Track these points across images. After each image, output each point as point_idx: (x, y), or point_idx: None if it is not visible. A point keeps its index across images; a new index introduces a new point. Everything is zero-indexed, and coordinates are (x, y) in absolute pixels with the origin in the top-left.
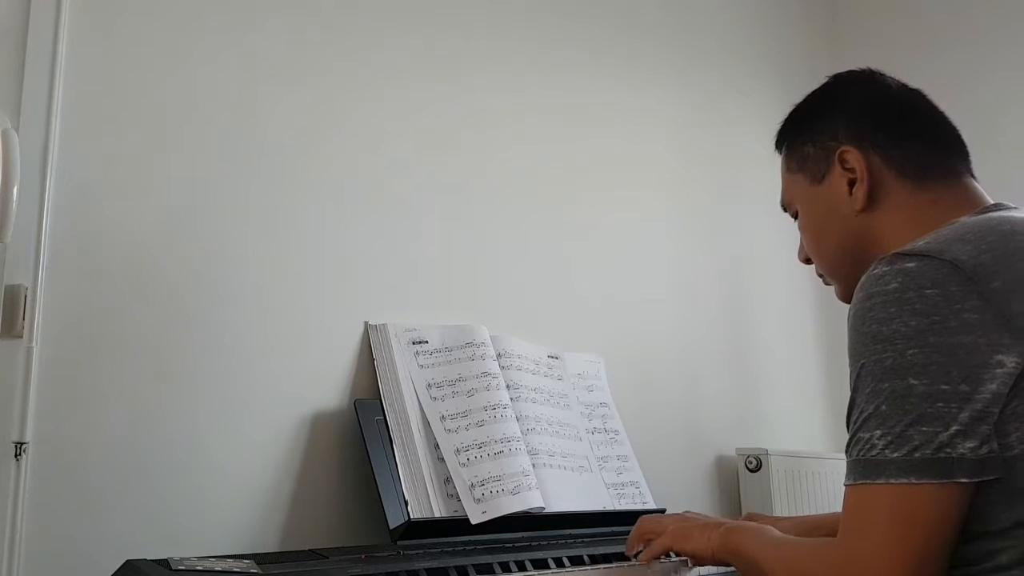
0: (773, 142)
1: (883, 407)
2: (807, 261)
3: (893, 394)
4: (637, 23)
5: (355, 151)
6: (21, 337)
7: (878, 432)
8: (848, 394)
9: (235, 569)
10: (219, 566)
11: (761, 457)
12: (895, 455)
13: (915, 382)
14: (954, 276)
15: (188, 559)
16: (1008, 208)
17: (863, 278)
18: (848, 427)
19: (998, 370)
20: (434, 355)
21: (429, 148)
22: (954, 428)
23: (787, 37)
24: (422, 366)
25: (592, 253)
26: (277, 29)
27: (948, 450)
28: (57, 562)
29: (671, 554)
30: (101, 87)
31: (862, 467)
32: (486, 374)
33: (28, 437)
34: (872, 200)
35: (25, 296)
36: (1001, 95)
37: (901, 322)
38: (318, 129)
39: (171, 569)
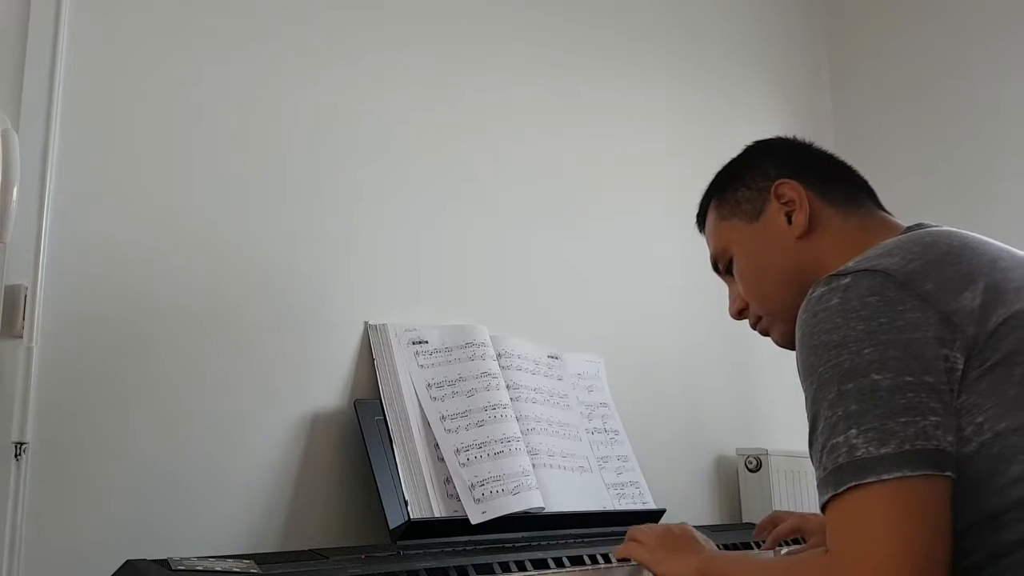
0: (696, 215)
1: (852, 407)
2: (739, 315)
3: (860, 391)
4: (637, 24)
5: (355, 152)
6: (21, 337)
7: (853, 431)
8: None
9: (235, 569)
10: (219, 566)
11: (761, 457)
12: (883, 450)
13: (878, 377)
14: (889, 283)
15: (188, 559)
16: (928, 225)
17: (803, 304)
18: (812, 447)
19: (947, 364)
20: (434, 355)
21: (429, 149)
22: (932, 419)
23: (786, 38)
24: (422, 366)
25: (592, 253)
26: (278, 31)
27: (935, 442)
28: (57, 562)
29: None
30: (101, 87)
31: (844, 471)
32: (486, 374)
33: (28, 437)
34: (810, 226)
35: (25, 296)
36: (1002, 95)
37: (849, 328)
38: (318, 130)
39: (171, 569)
